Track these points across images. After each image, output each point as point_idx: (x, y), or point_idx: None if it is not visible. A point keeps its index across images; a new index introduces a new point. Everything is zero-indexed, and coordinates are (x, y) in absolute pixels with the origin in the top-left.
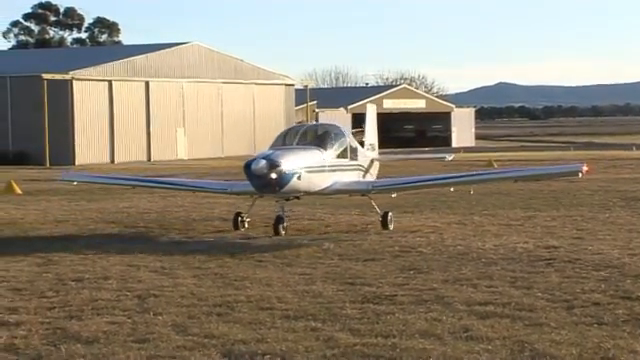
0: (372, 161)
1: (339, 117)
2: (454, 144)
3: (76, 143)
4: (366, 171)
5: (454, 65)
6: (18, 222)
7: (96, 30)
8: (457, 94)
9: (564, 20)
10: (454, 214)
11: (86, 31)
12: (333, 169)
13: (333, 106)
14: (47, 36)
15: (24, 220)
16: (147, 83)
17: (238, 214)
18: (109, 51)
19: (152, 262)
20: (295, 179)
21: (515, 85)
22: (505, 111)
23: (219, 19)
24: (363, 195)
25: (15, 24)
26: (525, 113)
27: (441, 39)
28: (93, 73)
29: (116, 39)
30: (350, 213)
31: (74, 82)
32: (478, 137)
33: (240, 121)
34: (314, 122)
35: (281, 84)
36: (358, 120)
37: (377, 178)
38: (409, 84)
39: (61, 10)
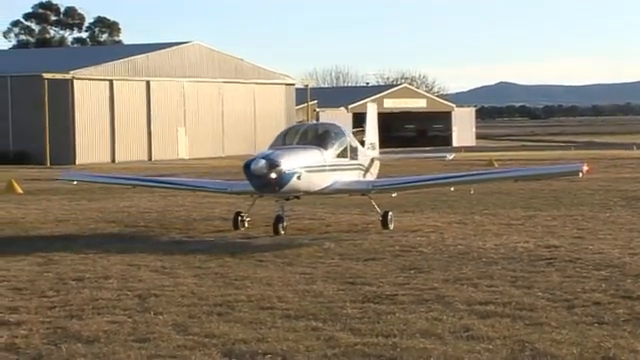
0: (372, 160)
1: (340, 117)
2: (455, 143)
3: (77, 143)
4: (366, 170)
5: (455, 65)
6: (19, 221)
7: (97, 30)
8: (458, 94)
9: (564, 20)
10: (455, 213)
11: (87, 31)
12: (333, 169)
13: (334, 106)
14: (48, 36)
15: (25, 219)
16: (148, 83)
17: (238, 213)
18: (110, 51)
19: (153, 261)
20: (295, 179)
21: (516, 85)
22: (506, 111)
23: (220, 19)
24: (363, 195)
25: (16, 24)
26: (526, 113)
27: (442, 39)
28: (94, 73)
29: (117, 39)
30: (351, 213)
31: (75, 82)
32: (479, 137)
33: (241, 121)
34: (314, 121)
35: (282, 84)
36: (359, 120)
37: (378, 177)
38: (410, 84)
39: (62, 10)
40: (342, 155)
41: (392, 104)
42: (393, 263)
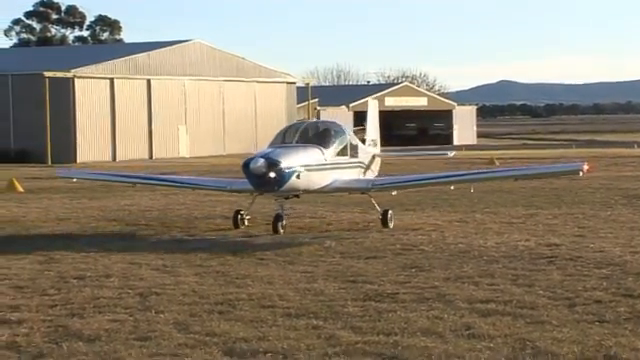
0: (373, 157)
1: (341, 115)
2: (456, 142)
3: (78, 141)
4: (367, 168)
5: (456, 63)
6: (20, 220)
7: (98, 28)
8: (459, 92)
9: (565, 18)
10: (455, 212)
11: (88, 29)
12: (333, 167)
13: (335, 104)
14: (49, 34)
15: (26, 218)
16: (149, 81)
17: (238, 212)
18: (111, 49)
19: (154, 260)
20: (294, 178)
21: (517, 83)
22: (507, 109)
23: (221, 17)
24: (363, 193)
25: (17, 22)
26: (527, 111)
27: (443, 37)
28: (95, 71)
29: (118, 37)
30: (352, 211)
31: (76, 80)
32: (480, 135)
33: (242, 119)
34: (314, 119)
35: (283, 82)
36: (360, 118)
37: (378, 176)
38: (411, 82)
39: (63, 8)
40: (342, 153)
41: (393, 102)
42: (394, 261)
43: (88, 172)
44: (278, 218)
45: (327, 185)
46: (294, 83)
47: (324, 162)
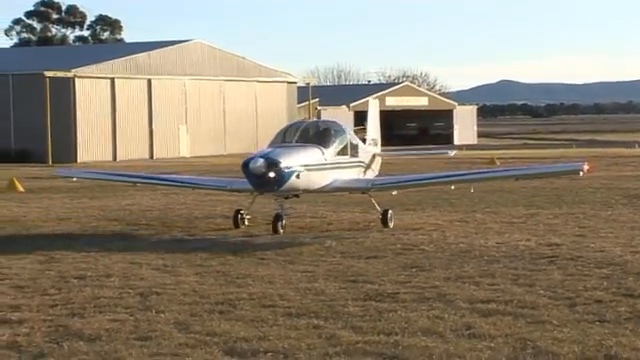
0: (374, 156)
1: (341, 115)
2: (456, 142)
3: (78, 141)
4: (367, 167)
5: (456, 63)
6: (20, 220)
7: (98, 28)
8: (459, 92)
9: (566, 17)
10: (456, 212)
11: (88, 29)
12: (333, 167)
13: (335, 104)
14: (49, 34)
15: (26, 218)
16: (149, 81)
17: (238, 211)
18: (111, 49)
19: (154, 260)
20: (294, 177)
21: (517, 83)
22: (507, 109)
23: (221, 17)
24: (363, 193)
25: (17, 22)
26: (527, 111)
27: (443, 37)
28: (95, 71)
29: (118, 37)
30: (352, 211)
31: (76, 80)
32: (480, 135)
33: (242, 119)
34: (314, 119)
35: (283, 82)
36: (360, 118)
37: (379, 175)
38: (411, 82)
39: (63, 8)
40: (342, 153)
41: (394, 102)
42: (395, 261)
43: (88, 171)
44: (278, 218)
45: (327, 185)
46: (295, 83)
47: (324, 162)
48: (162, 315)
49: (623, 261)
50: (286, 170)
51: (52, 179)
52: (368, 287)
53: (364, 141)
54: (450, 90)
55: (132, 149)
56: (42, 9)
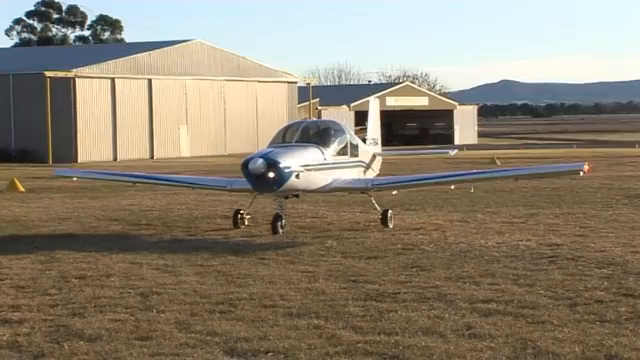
0: (374, 156)
1: (342, 115)
2: (457, 142)
3: (79, 141)
4: (367, 167)
5: (457, 63)
6: (21, 220)
7: (99, 28)
8: (460, 92)
9: (567, 18)
10: (457, 212)
11: (89, 29)
12: (332, 167)
13: (336, 104)
14: (50, 34)
15: (27, 218)
16: (150, 81)
17: (237, 211)
18: (112, 49)
19: (155, 260)
20: (293, 178)
21: (518, 83)
22: (508, 109)
23: (222, 17)
24: (363, 192)
25: (18, 22)
26: (528, 111)
27: (444, 37)
28: (96, 71)
29: (119, 37)
30: (353, 211)
31: (77, 80)
32: (481, 135)
33: (243, 119)
34: (314, 118)
35: (284, 82)
36: (361, 118)
37: (379, 175)
38: (412, 82)
39: (64, 8)
40: (342, 152)
41: (394, 102)
42: (395, 261)
43: (87, 171)
44: (277, 218)
45: (327, 185)
46: (295, 83)
47: (324, 162)
48: (163, 315)
49: (624, 261)
50: (285, 170)
51: (52, 179)
52: (369, 287)
53: (364, 141)
54: (451, 90)
55: (132, 149)
56: (43, 9)
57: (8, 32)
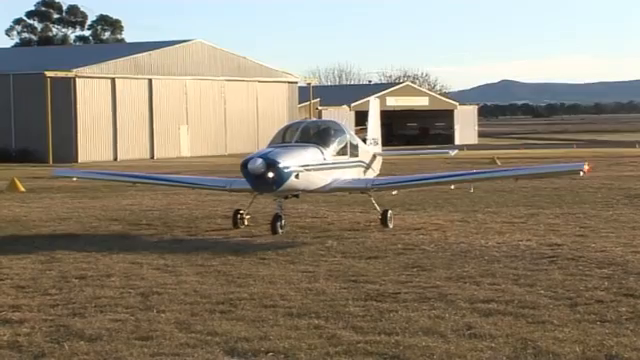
0: (374, 156)
1: (342, 115)
2: (457, 142)
3: (79, 141)
4: (367, 167)
5: (457, 63)
6: (21, 220)
7: (99, 28)
8: (460, 92)
9: (567, 17)
10: (457, 212)
11: (89, 29)
12: (332, 167)
13: (336, 104)
14: (50, 34)
15: (27, 218)
16: (150, 81)
17: (237, 211)
18: (112, 49)
19: (155, 260)
20: (293, 178)
21: (518, 83)
22: (508, 109)
23: (222, 17)
24: (363, 192)
25: (18, 22)
26: (528, 111)
27: (444, 37)
28: (96, 71)
29: (119, 37)
30: (353, 211)
31: (77, 80)
32: (481, 135)
33: (243, 119)
34: (314, 118)
35: (284, 82)
36: (361, 118)
37: (379, 176)
38: (412, 82)
39: (64, 8)
40: (342, 152)
41: (394, 102)
42: (395, 261)
43: (87, 171)
44: (277, 218)
45: (326, 185)
46: (296, 83)
47: (323, 162)
48: (163, 315)
49: (624, 261)
50: (285, 170)
51: (53, 179)
52: (369, 287)
53: (364, 141)
54: (451, 90)
55: (133, 149)
56: (43, 9)
57: (8, 32)
